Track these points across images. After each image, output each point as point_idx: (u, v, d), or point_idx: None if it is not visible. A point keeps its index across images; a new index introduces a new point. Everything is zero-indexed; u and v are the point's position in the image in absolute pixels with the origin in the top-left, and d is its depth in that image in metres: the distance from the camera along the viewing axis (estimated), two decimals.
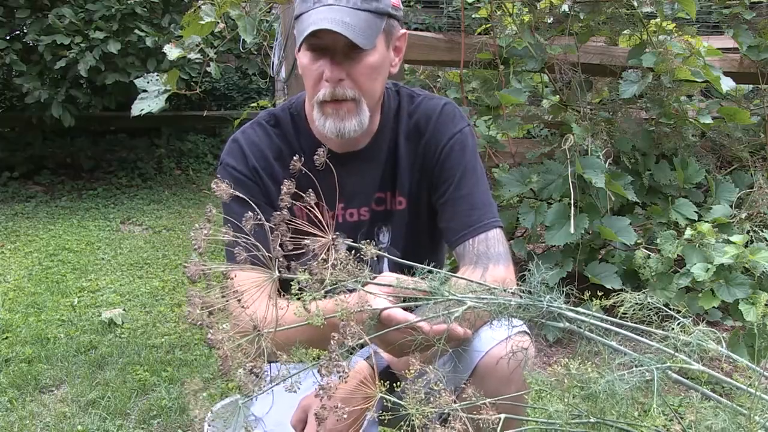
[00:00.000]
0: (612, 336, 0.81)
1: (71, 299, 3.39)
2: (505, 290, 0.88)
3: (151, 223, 4.89)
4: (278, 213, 0.87)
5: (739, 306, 2.51)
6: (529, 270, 0.86)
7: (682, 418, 0.80)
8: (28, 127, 5.77)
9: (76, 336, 2.95)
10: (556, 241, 2.77)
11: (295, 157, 0.95)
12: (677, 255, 2.76)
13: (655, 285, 2.72)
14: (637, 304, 0.83)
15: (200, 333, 2.99)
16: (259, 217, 0.88)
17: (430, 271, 0.91)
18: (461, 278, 0.94)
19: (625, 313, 0.84)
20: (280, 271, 0.85)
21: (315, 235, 0.85)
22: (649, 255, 2.84)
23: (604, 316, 0.84)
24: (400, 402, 0.81)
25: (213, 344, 0.81)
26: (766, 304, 2.48)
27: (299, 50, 1.30)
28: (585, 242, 2.90)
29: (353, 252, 0.89)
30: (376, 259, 0.89)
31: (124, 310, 3.24)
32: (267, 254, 0.86)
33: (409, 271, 0.97)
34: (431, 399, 0.80)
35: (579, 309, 0.84)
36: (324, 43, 1.27)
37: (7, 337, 2.94)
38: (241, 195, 0.94)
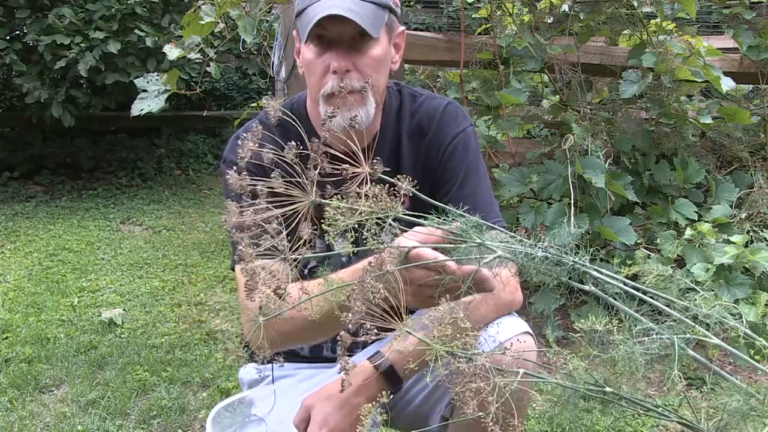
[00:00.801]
0: (635, 303, 0.81)
1: (71, 299, 3.39)
2: (534, 245, 0.87)
3: (151, 223, 4.89)
4: (316, 140, 0.86)
5: (739, 306, 2.52)
6: (562, 225, 0.86)
7: (692, 409, 0.80)
8: (28, 127, 5.77)
9: (76, 336, 2.95)
10: (556, 241, 2.77)
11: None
12: (677, 255, 2.76)
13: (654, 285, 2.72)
14: (659, 275, 0.83)
15: (200, 333, 2.99)
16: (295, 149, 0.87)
17: (461, 215, 0.91)
18: (491, 226, 0.93)
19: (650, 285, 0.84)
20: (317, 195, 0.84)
21: (349, 163, 0.84)
22: (649, 255, 2.84)
23: (629, 281, 0.84)
24: (423, 339, 0.81)
25: (243, 257, 0.80)
26: (766, 304, 2.48)
27: (305, 42, 1.29)
28: (585, 242, 2.90)
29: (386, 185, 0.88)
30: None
31: (124, 310, 3.24)
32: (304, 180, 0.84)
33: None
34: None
35: (604, 270, 0.84)
36: (329, 35, 1.27)
37: (7, 337, 2.94)
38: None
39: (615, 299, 0.82)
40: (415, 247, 0.96)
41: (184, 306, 3.32)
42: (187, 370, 2.63)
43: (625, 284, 0.83)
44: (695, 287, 0.83)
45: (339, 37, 1.27)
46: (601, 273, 0.83)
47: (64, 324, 3.09)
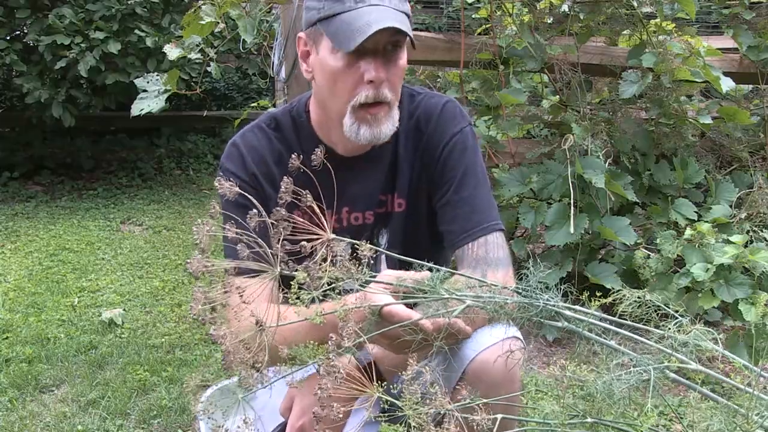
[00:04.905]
0: (611, 335, 0.81)
1: (71, 299, 3.39)
2: (504, 288, 0.88)
3: (151, 223, 4.89)
4: (278, 210, 0.87)
5: (739, 306, 2.51)
6: (528, 268, 0.86)
7: (681, 418, 0.80)
8: (28, 127, 5.77)
9: (76, 336, 2.95)
10: (556, 241, 2.77)
11: (293, 155, 0.94)
12: (677, 255, 2.76)
13: (654, 285, 2.72)
14: (635, 301, 0.83)
15: (200, 333, 2.99)
16: (257, 218, 0.88)
17: (429, 269, 0.91)
18: (461, 275, 0.94)
19: (625, 311, 0.84)
20: (281, 267, 0.85)
21: (313, 233, 0.85)
22: (649, 255, 2.84)
23: (602, 315, 0.84)
24: (395, 401, 0.81)
25: (216, 339, 0.81)
26: (765, 304, 2.48)
27: (335, 50, 1.26)
28: (585, 242, 2.90)
29: (352, 252, 0.89)
30: (374, 258, 0.88)
31: (124, 310, 3.24)
32: (268, 251, 0.86)
33: (409, 268, 0.96)
34: (427, 399, 0.80)
35: (577, 308, 0.84)
36: (367, 45, 1.24)
37: (7, 337, 2.94)
38: (239, 201, 0.94)
39: (590, 331, 0.82)
40: (387, 304, 0.96)
41: (184, 306, 3.32)
42: (187, 370, 2.63)
43: (600, 318, 0.83)
44: (670, 311, 0.83)
45: (375, 46, 1.26)
46: (575, 311, 0.83)
47: (64, 324, 3.09)
